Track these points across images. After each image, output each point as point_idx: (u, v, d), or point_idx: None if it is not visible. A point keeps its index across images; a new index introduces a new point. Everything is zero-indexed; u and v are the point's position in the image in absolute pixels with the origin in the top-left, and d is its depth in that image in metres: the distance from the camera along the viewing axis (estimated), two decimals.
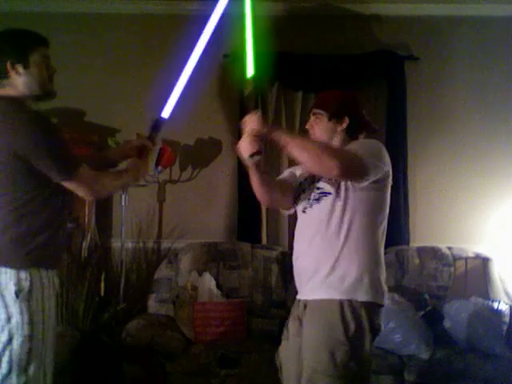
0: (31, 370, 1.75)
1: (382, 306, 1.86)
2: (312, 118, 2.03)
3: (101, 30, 3.81)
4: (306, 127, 2.04)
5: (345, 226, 1.84)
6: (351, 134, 1.98)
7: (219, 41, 3.74)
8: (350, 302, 1.80)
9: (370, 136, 2.06)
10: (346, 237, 1.84)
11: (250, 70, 1.93)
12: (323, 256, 1.86)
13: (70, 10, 3.72)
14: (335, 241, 1.84)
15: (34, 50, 1.85)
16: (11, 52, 1.82)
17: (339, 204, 1.85)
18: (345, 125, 1.96)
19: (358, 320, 1.79)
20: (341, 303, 1.80)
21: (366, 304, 1.81)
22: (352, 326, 1.78)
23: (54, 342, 1.88)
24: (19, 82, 1.83)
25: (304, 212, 1.97)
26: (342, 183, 1.85)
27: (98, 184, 1.92)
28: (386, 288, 1.89)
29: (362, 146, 1.89)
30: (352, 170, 1.78)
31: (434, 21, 3.75)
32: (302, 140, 1.85)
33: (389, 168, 1.89)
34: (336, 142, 1.97)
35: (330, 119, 1.97)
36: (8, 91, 1.84)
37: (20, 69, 1.82)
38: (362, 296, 1.81)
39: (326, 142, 1.93)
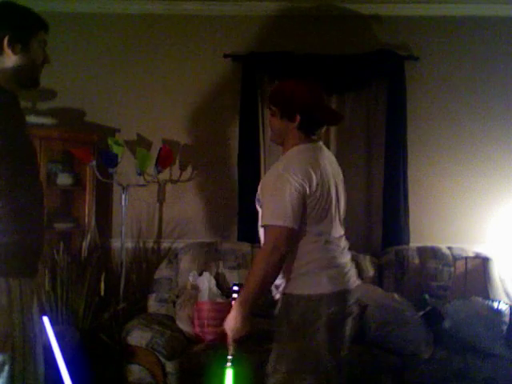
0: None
1: (324, 294, 1.82)
2: (268, 112, 1.94)
3: (101, 29, 3.80)
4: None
5: None
6: (306, 131, 1.88)
7: (219, 41, 3.78)
8: (290, 296, 1.84)
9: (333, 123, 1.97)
10: None
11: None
12: None
13: (70, 9, 3.73)
14: None
15: (37, 33, 1.67)
16: (13, 28, 1.62)
17: None
18: (296, 123, 1.85)
19: (298, 314, 1.80)
20: (282, 299, 1.86)
21: (303, 297, 1.82)
22: (293, 321, 1.81)
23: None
24: (10, 62, 1.62)
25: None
26: None
27: None
28: (329, 277, 1.83)
29: (270, 208, 1.80)
30: (283, 246, 1.77)
31: (434, 21, 3.75)
32: (248, 281, 1.84)
33: (304, 184, 1.77)
34: (291, 139, 1.88)
35: (281, 117, 1.88)
36: None
37: (18, 49, 1.62)
38: (299, 289, 1.83)
39: (256, 260, 1.86)
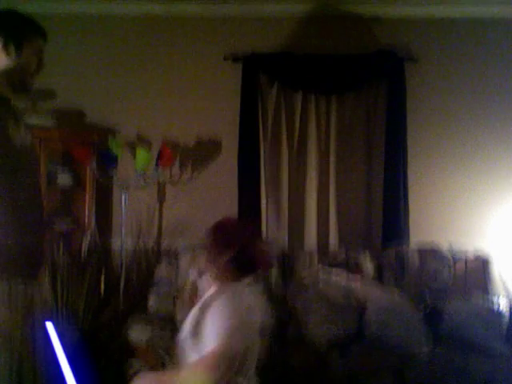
0: None
1: None
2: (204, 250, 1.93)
3: (101, 30, 3.81)
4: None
5: None
6: (238, 270, 1.85)
7: (219, 42, 3.78)
8: None
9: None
10: None
11: None
12: None
13: (70, 10, 3.74)
14: None
15: (33, 39, 1.72)
16: (8, 31, 1.68)
17: None
18: (228, 261, 1.83)
19: None
20: None
21: None
22: None
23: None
24: (3, 65, 1.67)
25: None
26: None
27: None
28: None
29: (222, 330, 1.67)
30: (225, 371, 1.63)
31: (434, 22, 3.76)
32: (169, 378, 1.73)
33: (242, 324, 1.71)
34: (225, 277, 1.85)
35: (215, 254, 1.85)
36: None
37: (12, 51, 1.67)
38: None
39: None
